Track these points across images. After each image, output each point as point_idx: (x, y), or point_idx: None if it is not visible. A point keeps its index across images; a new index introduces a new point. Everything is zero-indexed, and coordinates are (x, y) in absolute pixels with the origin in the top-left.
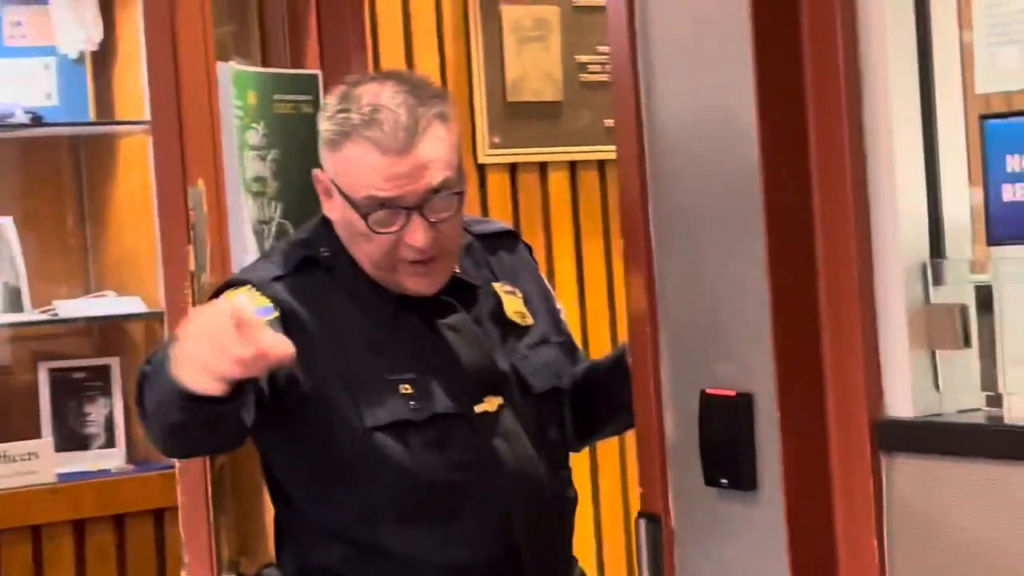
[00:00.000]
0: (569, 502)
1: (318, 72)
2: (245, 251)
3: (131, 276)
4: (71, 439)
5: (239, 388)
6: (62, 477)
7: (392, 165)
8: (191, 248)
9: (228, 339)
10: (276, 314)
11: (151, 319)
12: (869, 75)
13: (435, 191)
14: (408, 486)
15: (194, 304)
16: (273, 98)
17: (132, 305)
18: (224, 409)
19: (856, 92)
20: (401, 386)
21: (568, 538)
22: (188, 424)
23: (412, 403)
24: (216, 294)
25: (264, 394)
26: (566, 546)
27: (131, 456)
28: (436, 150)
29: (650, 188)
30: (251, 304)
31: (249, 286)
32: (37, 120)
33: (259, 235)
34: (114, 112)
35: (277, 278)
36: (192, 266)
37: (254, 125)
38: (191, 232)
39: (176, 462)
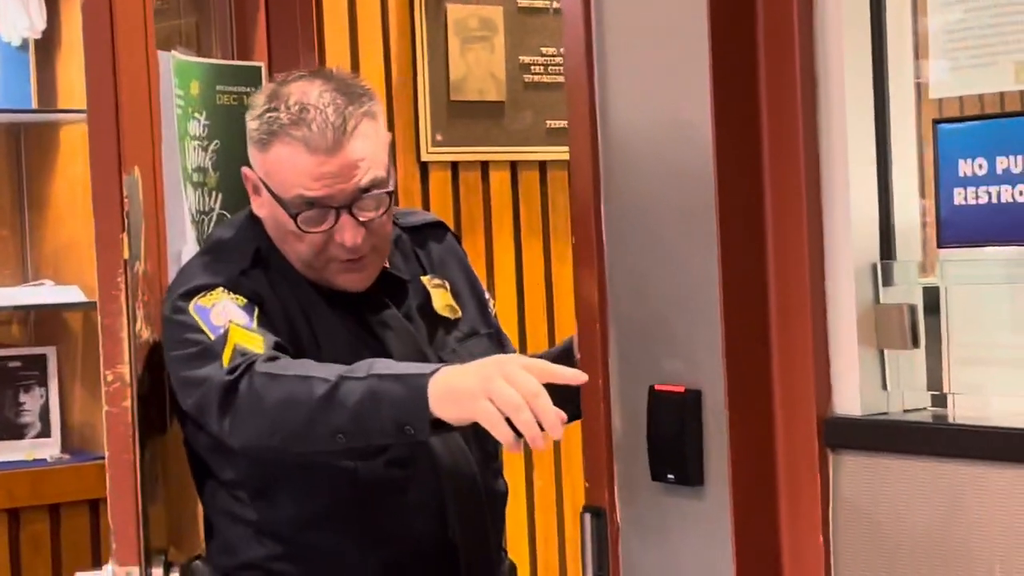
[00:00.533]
0: (500, 495)
1: (262, 64)
2: (184, 241)
3: (69, 265)
4: (5, 428)
5: None
6: None
7: (321, 164)
8: (125, 236)
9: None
10: (257, 310)
11: (89, 308)
12: (824, 79)
13: (365, 190)
14: (345, 483)
15: (127, 293)
16: (216, 89)
17: (70, 294)
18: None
19: (811, 96)
20: None
21: (499, 531)
22: (357, 447)
23: None
24: (186, 295)
25: None
26: (498, 539)
27: (66, 446)
28: (365, 149)
29: (603, 186)
30: (235, 303)
31: (222, 288)
32: None
33: (199, 225)
34: (56, 101)
35: (243, 272)
36: (126, 254)
37: (196, 115)
38: (125, 220)
39: (106, 450)
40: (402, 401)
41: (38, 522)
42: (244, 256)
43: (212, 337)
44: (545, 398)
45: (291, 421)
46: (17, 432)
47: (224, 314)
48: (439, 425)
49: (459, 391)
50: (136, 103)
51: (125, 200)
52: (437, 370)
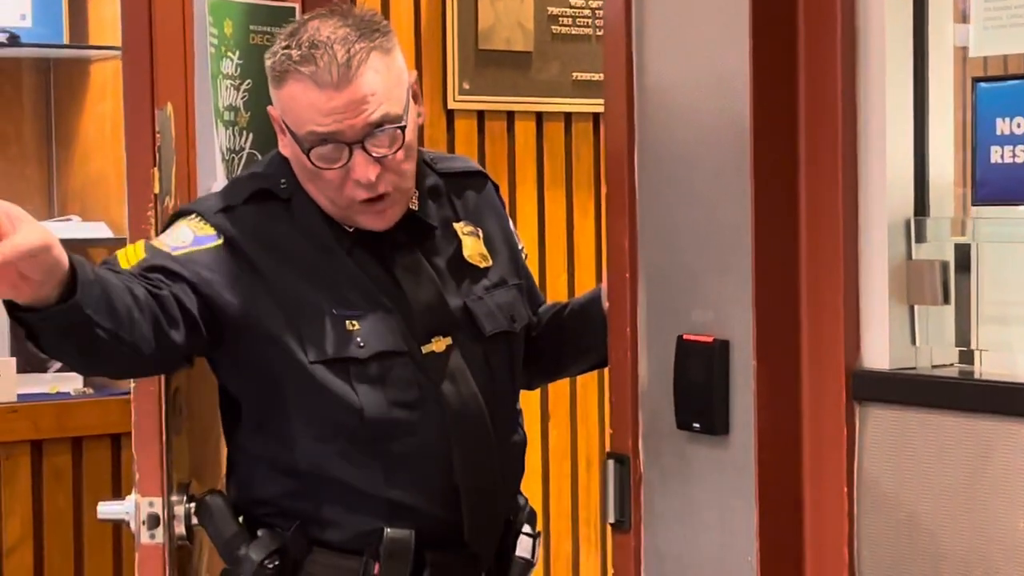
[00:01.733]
0: (514, 444)
1: (296, 5)
2: (214, 178)
3: (97, 202)
4: (29, 361)
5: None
6: (21, 398)
7: (329, 100)
8: (156, 171)
9: None
10: (220, 242)
11: (116, 245)
12: (864, 33)
13: (375, 125)
14: (350, 420)
15: (156, 228)
16: (250, 28)
17: (97, 230)
18: (44, 316)
19: (850, 50)
20: (348, 322)
21: (515, 479)
22: (43, 343)
23: (358, 339)
24: (167, 225)
25: (194, 316)
26: (512, 487)
27: (89, 380)
28: (375, 83)
29: (637, 136)
30: (196, 232)
31: (195, 214)
32: (14, 40)
33: (229, 164)
34: (88, 37)
35: (224, 209)
36: (156, 189)
37: (229, 54)
38: (157, 155)
39: (132, 383)
40: None
41: (61, 454)
42: (239, 193)
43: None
44: None
45: None
46: (40, 365)
47: (168, 235)
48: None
49: None
50: (170, 39)
51: (157, 135)
52: None
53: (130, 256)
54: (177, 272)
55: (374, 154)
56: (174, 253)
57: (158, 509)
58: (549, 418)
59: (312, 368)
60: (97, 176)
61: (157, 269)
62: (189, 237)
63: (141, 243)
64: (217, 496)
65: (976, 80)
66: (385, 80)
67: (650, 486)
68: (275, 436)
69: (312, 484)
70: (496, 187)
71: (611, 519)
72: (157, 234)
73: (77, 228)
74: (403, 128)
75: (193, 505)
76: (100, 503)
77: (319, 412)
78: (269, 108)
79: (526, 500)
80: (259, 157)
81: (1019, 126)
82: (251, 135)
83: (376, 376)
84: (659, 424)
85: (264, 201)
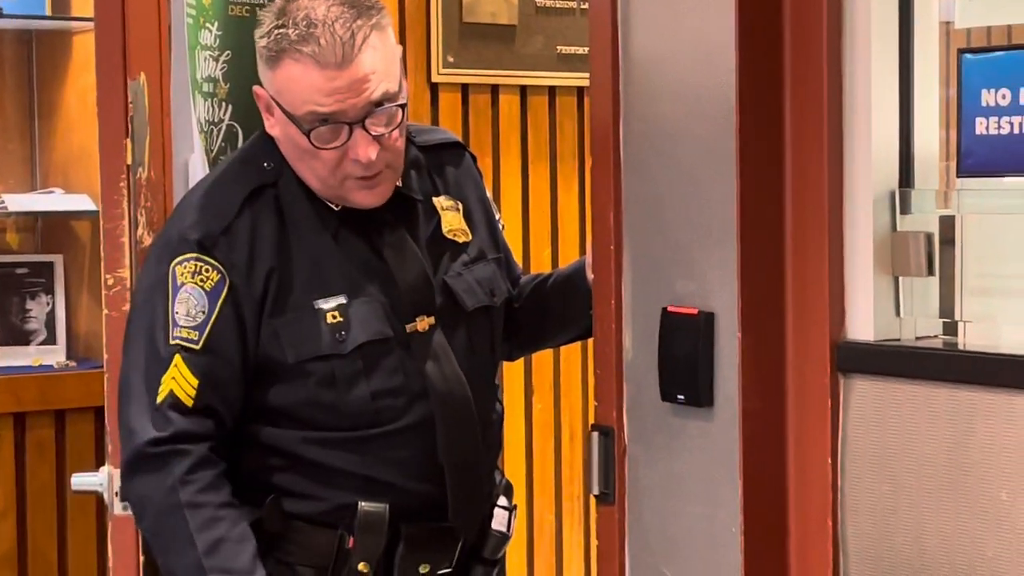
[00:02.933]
0: (494, 421)
1: None
2: (191, 150)
3: (79, 174)
4: (12, 334)
5: None
6: (3, 370)
7: (331, 79)
8: (128, 142)
9: None
10: (226, 286)
11: (97, 217)
12: (850, 4)
13: (376, 104)
14: (330, 417)
15: (129, 199)
16: (229, 0)
17: (79, 202)
18: None
19: (836, 21)
20: (330, 315)
21: (493, 454)
22: None
23: (339, 334)
24: (178, 242)
25: (240, 389)
26: (490, 462)
27: (71, 353)
28: (375, 62)
29: (622, 109)
30: (203, 287)
31: (197, 256)
32: None
33: (207, 136)
34: (70, 8)
35: (225, 230)
36: (129, 160)
37: (208, 25)
38: (129, 125)
39: (105, 354)
40: None
41: (43, 427)
42: (233, 201)
43: (168, 340)
44: None
45: (156, 546)
46: (23, 338)
47: (183, 307)
48: None
49: None
50: (144, 10)
51: (129, 105)
52: None
53: (188, 392)
54: (216, 378)
55: (373, 133)
56: (199, 345)
57: None
58: (533, 391)
59: (293, 368)
60: (79, 148)
61: (208, 409)
62: (202, 304)
63: (178, 359)
64: None
65: (961, 51)
66: (384, 58)
67: (634, 458)
68: (252, 418)
69: (288, 461)
70: (474, 158)
71: (595, 491)
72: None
73: (60, 200)
74: (402, 106)
75: None
76: (74, 475)
77: (299, 408)
78: (256, 88)
79: (502, 474)
80: (238, 128)
81: (1004, 97)
82: (230, 107)
83: (359, 368)
84: (644, 396)
85: (256, 200)
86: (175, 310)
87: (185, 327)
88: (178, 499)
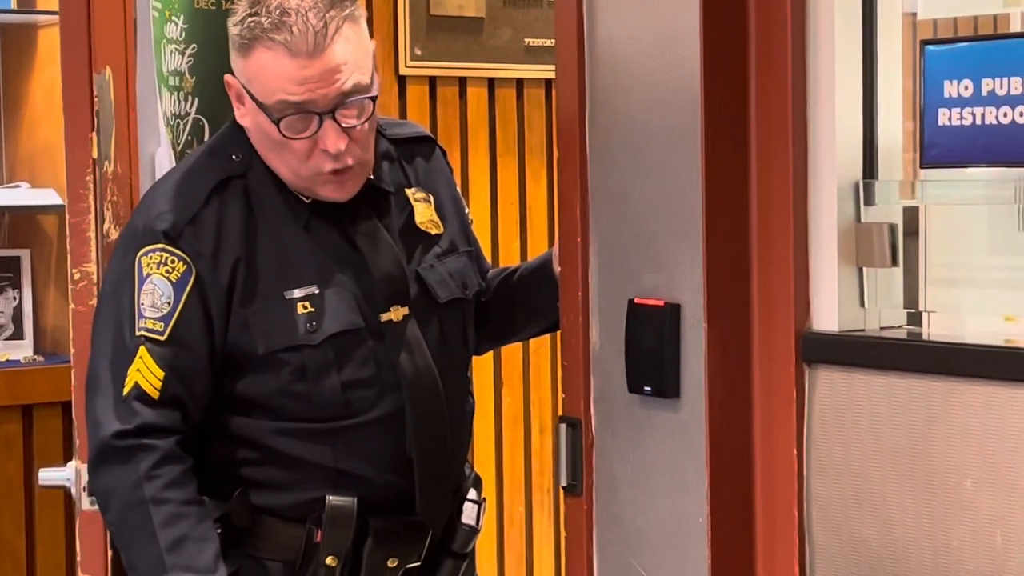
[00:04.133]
0: (465, 413)
1: None
2: (157, 144)
3: (45, 169)
4: None
5: None
6: None
7: (303, 68)
8: (94, 135)
9: None
10: (192, 277)
11: (64, 212)
12: None
13: (347, 95)
14: (301, 408)
15: (95, 193)
16: None
17: (45, 197)
18: None
19: (800, 14)
20: (300, 304)
21: (463, 447)
22: None
23: (310, 324)
24: (144, 234)
25: (209, 380)
26: (460, 454)
27: (39, 348)
28: (347, 53)
29: (588, 101)
30: (169, 277)
31: (163, 247)
32: None
33: (174, 129)
34: (35, 2)
35: (191, 220)
36: (95, 154)
37: (174, 18)
38: (95, 119)
39: (72, 349)
40: None
41: (11, 422)
42: (200, 191)
43: (134, 332)
44: None
45: (120, 539)
46: None
47: (149, 298)
48: None
49: None
50: (109, 2)
51: (95, 99)
52: None
53: (154, 384)
54: (182, 370)
55: (344, 124)
56: (164, 336)
57: None
58: (502, 384)
59: (264, 359)
60: (45, 143)
61: (175, 401)
62: (167, 293)
63: (143, 351)
64: None
65: (924, 43)
66: (356, 49)
67: (602, 450)
68: (222, 408)
69: (257, 453)
70: (444, 152)
71: (563, 483)
72: (96, 200)
73: (26, 195)
74: (373, 99)
75: None
76: (42, 470)
77: (270, 398)
78: (227, 77)
79: (471, 467)
80: (204, 122)
81: (967, 88)
82: (197, 100)
83: (330, 359)
84: (611, 388)
85: (223, 190)
86: (140, 301)
87: (150, 318)
88: (143, 494)
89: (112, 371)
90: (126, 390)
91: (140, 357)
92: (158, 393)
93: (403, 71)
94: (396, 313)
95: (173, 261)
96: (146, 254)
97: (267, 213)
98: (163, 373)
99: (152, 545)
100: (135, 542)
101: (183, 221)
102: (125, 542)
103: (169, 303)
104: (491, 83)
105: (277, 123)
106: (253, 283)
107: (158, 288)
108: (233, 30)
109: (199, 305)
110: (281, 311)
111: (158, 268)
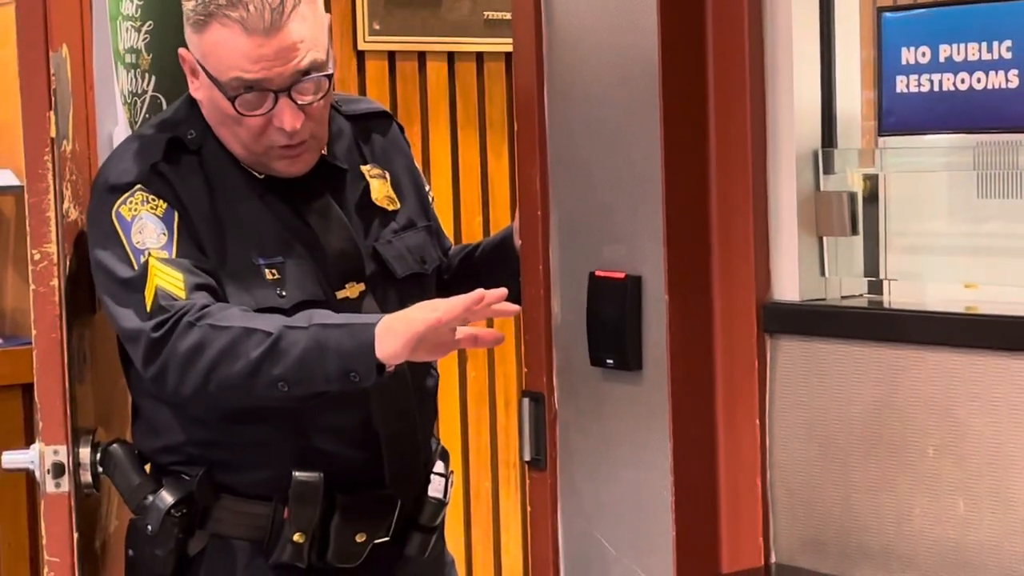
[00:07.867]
0: (430, 388)
1: None
2: (115, 122)
3: (2, 149)
4: None
5: None
6: None
7: (259, 46)
8: (52, 114)
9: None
10: (176, 213)
11: (22, 193)
12: None
13: (304, 72)
14: None
15: (54, 172)
16: None
17: (3, 178)
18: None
19: None
20: (268, 271)
21: (431, 421)
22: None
23: (278, 289)
24: (110, 191)
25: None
26: (426, 429)
27: None
28: (303, 31)
29: (546, 74)
30: (158, 213)
31: (139, 189)
32: None
33: (131, 107)
34: None
35: (154, 167)
36: (53, 133)
37: None
38: (52, 98)
39: (34, 330)
40: (348, 350)
41: None
42: (155, 148)
43: (135, 266)
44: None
45: (231, 374)
46: None
47: (143, 235)
48: (382, 369)
49: (403, 334)
50: None
51: (52, 78)
52: (380, 319)
53: (176, 284)
54: (197, 271)
55: (299, 102)
56: (176, 256)
57: (63, 457)
58: (467, 359)
59: None
60: (2, 122)
61: (200, 288)
62: (160, 227)
63: (154, 265)
64: (121, 445)
65: (881, 10)
66: (312, 27)
67: (565, 423)
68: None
69: (220, 432)
70: (401, 128)
71: (527, 457)
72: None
73: None
74: (329, 76)
75: (99, 454)
76: (4, 452)
77: None
78: (181, 50)
79: (438, 440)
80: (162, 99)
81: (924, 55)
82: (154, 78)
83: None
84: (573, 361)
85: (177, 153)
86: (134, 240)
87: (152, 247)
88: (207, 327)
89: (134, 305)
90: (149, 301)
91: (153, 272)
92: (183, 288)
93: (361, 46)
94: (352, 290)
95: (153, 199)
96: (124, 203)
97: (224, 188)
98: (181, 274)
99: (247, 335)
100: (238, 355)
101: (147, 170)
102: (232, 364)
103: (165, 233)
104: (451, 57)
105: (232, 100)
106: (222, 246)
107: (148, 223)
108: (187, 5)
109: (188, 234)
110: (250, 275)
111: (143, 205)
